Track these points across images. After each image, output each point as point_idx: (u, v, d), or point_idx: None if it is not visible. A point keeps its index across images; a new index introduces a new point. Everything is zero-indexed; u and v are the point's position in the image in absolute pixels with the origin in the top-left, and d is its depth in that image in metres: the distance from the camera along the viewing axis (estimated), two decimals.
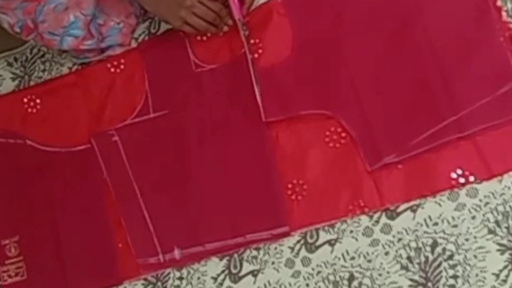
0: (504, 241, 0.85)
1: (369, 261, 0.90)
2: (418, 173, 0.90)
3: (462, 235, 0.87)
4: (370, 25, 0.96)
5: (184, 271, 0.97)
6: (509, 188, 0.87)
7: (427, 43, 0.92)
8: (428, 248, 0.88)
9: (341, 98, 0.94)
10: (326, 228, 0.92)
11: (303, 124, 0.96)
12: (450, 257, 0.87)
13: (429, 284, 0.87)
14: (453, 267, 0.86)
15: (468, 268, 0.86)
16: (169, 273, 0.97)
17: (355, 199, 0.91)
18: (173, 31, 1.03)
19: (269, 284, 0.93)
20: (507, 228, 0.86)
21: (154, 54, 1.05)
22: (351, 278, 0.90)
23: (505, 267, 0.85)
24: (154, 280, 0.98)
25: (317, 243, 0.92)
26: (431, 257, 0.88)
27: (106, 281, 0.99)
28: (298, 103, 0.96)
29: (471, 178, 0.88)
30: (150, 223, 0.98)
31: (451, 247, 0.87)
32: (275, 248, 0.94)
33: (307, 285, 0.91)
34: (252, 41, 0.99)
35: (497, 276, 0.85)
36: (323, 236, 0.92)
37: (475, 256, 0.86)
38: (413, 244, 0.88)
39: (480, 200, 0.87)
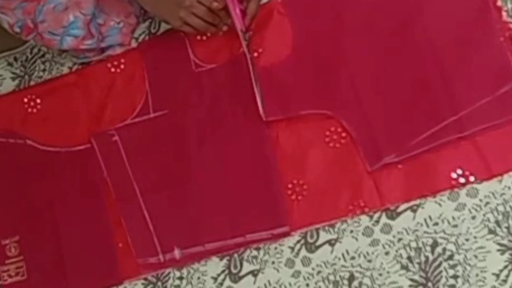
0: (504, 241, 0.85)
1: (369, 261, 0.90)
2: (418, 173, 0.89)
3: (462, 235, 0.87)
4: (370, 25, 0.96)
5: (184, 271, 0.97)
6: (509, 188, 0.87)
7: (427, 43, 0.92)
8: (428, 248, 0.88)
9: (341, 98, 0.94)
10: (326, 228, 0.92)
11: (303, 124, 0.95)
12: (450, 257, 0.87)
13: (429, 284, 0.87)
14: (453, 267, 0.86)
15: (468, 268, 0.86)
16: (169, 273, 0.97)
17: (355, 199, 0.91)
18: (173, 31, 1.03)
19: (269, 284, 0.93)
20: (507, 228, 0.86)
21: (154, 54, 1.05)
22: (351, 278, 0.90)
23: (505, 267, 0.85)
24: (154, 280, 0.98)
25: (317, 243, 0.92)
26: (431, 257, 0.87)
27: (106, 281, 0.99)
28: (298, 103, 0.96)
29: (471, 178, 0.88)
30: (150, 223, 0.98)
31: (451, 247, 0.87)
32: (275, 248, 0.94)
33: (307, 285, 0.91)
34: (251, 40, 0.99)
35: (497, 276, 0.85)
36: (323, 236, 0.92)
37: (475, 256, 0.86)
38: (413, 244, 0.88)
39: (480, 200, 0.87)
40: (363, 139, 0.92)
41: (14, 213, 1.04)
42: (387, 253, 0.89)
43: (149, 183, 0.99)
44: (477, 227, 0.87)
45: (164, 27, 1.06)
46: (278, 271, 0.93)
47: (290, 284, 0.92)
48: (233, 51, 1.01)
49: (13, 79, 1.12)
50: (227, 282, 0.95)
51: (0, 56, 1.13)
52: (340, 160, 0.93)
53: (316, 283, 0.91)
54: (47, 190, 1.03)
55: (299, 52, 0.98)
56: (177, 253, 0.96)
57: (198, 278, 0.96)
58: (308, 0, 1.00)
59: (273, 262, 0.93)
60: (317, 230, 0.92)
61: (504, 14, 0.91)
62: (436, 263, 0.87)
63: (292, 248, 0.93)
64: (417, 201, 0.89)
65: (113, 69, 1.06)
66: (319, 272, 0.91)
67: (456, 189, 0.88)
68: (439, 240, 0.88)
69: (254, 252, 0.94)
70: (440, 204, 0.89)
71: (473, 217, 0.87)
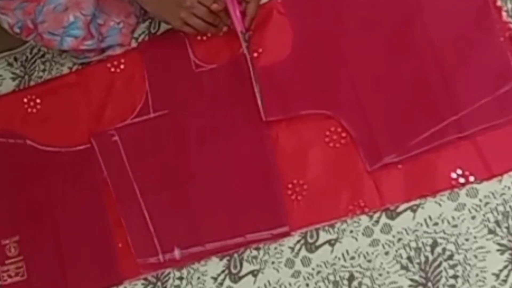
0: (504, 241, 0.85)
1: (369, 261, 0.90)
2: (418, 173, 0.90)
3: (462, 235, 0.87)
4: (370, 25, 0.96)
5: (184, 271, 0.97)
6: (509, 188, 0.87)
7: (427, 43, 0.92)
8: (428, 248, 0.88)
9: (341, 98, 0.94)
10: (326, 228, 0.92)
11: (303, 124, 0.95)
12: (450, 257, 0.87)
13: (429, 284, 0.87)
14: (453, 267, 0.86)
15: (468, 268, 0.86)
16: (169, 273, 0.97)
17: (355, 199, 0.91)
18: (173, 31, 1.03)
19: (269, 284, 0.93)
20: (507, 228, 0.86)
21: (154, 54, 1.05)
22: (351, 278, 0.90)
23: (505, 267, 0.85)
24: (154, 280, 0.98)
25: (317, 243, 0.92)
26: (431, 257, 0.87)
27: (106, 281, 0.99)
28: (298, 103, 0.96)
29: (471, 178, 0.88)
30: (150, 223, 0.98)
31: (451, 247, 0.87)
32: (275, 248, 0.94)
33: (307, 285, 0.91)
34: (251, 41, 0.99)
35: (497, 276, 0.85)
36: (323, 236, 0.92)
37: (475, 256, 0.86)
38: (413, 244, 0.88)
39: (480, 200, 0.87)
40: (363, 139, 0.92)
41: (14, 213, 1.04)
42: (387, 253, 0.89)
43: (149, 183, 0.99)
44: (477, 227, 0.87)
45: (164, 27, 1.06)
46: (278, 271, 0.93)
47: (290, 284, 0.92)
48: (233, 51, 1.01)
49: (13, 79, 1.12)
50: (227, 282, 0.95)
51: (0, 56, 1.13)
52: (340, 160, 0.93)
53: (316, 283, 0.91)
54: (47, 190, 1.03)
55: (299, 52, 0.98)
56: (177, 253, 0.96)
57: (198, 278, 0.96)
58: (308, 0, 1.00)
59: (273, 262, 0.93)
60: (317, 230, 0.92)
61: (504, 14, 0.91)
62: (436, 263, 0.87)
63: (292, 248, 0.93)
64: (417, 201, 0.89)
65: (113, 69, 1.06)
66: (319, 272, 0.91)
67: (456, 189, 0.88)
68: (439, 240, 0.87)
69: (254, 252, 0.94)
70: (440, 204, 0.89)
71: (473, 217, 0.87)
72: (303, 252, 0.92)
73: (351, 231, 0.91)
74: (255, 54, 0.99)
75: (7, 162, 1.07)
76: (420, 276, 0.87)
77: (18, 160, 1.06)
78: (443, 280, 0.86)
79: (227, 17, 0.99)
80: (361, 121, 0.93)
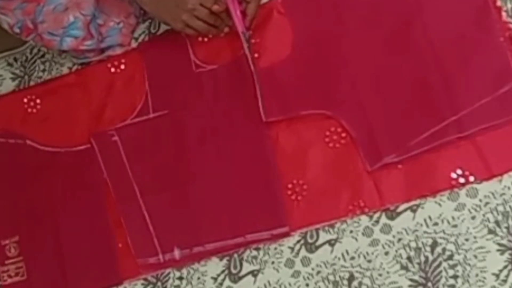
0: (504, 241, 0.85)
1: (369, 261, 0.90)
2: (418, 173, 0.89)
3: (462, 235, 0.87)
4: (370, 25, 0.96)
5: (184, 271, 0.97)
6: (509, 188, 0.87)
7: (427, 43, 0.92)
8: (428, 248, 0.88)
9: (341, 98, 0.94)
10: (326, 228, 0.92)
11: (303, 124, 0.95)
12: (450, 257, 0.87)
13: (429, 284, 0.87)
14: (453, 267, 0.86)
15: (468, 268, 0.86)
16: (169, 273, 0.97)
17: (355, 199, 0.91)
18: (173, 31, 1.03)
19: (269, 284, 0.93)
20: (507, 228, 0.86)
21: (154, 54, 1.05)
22: (351, 278, 0.90)
23: (505, 267, 0.84)
24: (154, 280, 0.98)
25: (317, 243, 0.92)
26: (431, 257, 0.87)
27: (106, 281, 0.99)
28: (298, 103, 0.96)
29: (471, 178, 0.88)
30: (150, 223, 0.98)
31: (451, 247, 0.87)
32: (275, 248, 0.94)
33: (307, 285, 0.91)
34: (252, 41, 0.99)
35: (497, 276, 0.85)
36: (323, 236, 0.92)
37: (475, 256, 0.86)
38: (413, 244, 0.88)
39: (480, 200, 0.87)
40: (363, 139, 0.92)
41: (14, 213, 1.04)
42: (386, 253, 0.89)
43: (149, 183, 0.99)
44: (477, 227, 0.87)
45: (164, 27, 1.06)
46: (278, 271, 0.93)
47: (290, 284, 0.92)
48: (234, 52, 1.00)
49: (13, 79, 1.12)
50: (227, 282, 0.95)
51: (0, 56, 1.13)
52: (340, 160, 0.93)
53: (316, 283, 0.91)
54: (47, 190, 1.03)
55: (299, 52, 0.98)
56: (177, 253, 0.96)
57: (198, 278, 0.96)
58: (308, 0, 1.00)
59: (273, 262, 0.93)
60: (317, 230, 0.92)
61: (504, 14, 0.91)
62: (436, 263, 0.87)
63: (292, 248, 0.93)
64: (417, 201, 0.89)
65: (113, 69, 1.06)
66: (318, 272, 0.91)
67: (456, 189, 0.88)
68: (439, 240, 0.87)
69: (254, 252, 0.94)
70: (440, 204, 0.89)
71: (473, 217, 0.87)
72: (303, 252, 0.92)
73: (351, 231, 0.91)
74: (256, 55, 0.99)
75: (7, 162, 1.07)
76: (420, 276, 0.87)
77: (18, 160, 1.06)
78: (443, 280, 0.86)
79: (228, 18, 0.99)
80: (361, 121, 0.93)
